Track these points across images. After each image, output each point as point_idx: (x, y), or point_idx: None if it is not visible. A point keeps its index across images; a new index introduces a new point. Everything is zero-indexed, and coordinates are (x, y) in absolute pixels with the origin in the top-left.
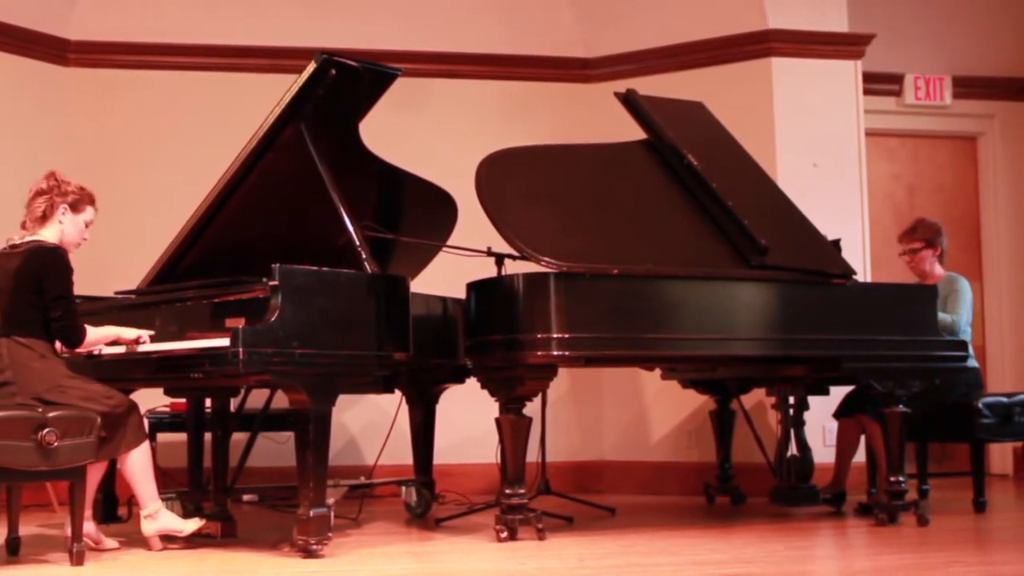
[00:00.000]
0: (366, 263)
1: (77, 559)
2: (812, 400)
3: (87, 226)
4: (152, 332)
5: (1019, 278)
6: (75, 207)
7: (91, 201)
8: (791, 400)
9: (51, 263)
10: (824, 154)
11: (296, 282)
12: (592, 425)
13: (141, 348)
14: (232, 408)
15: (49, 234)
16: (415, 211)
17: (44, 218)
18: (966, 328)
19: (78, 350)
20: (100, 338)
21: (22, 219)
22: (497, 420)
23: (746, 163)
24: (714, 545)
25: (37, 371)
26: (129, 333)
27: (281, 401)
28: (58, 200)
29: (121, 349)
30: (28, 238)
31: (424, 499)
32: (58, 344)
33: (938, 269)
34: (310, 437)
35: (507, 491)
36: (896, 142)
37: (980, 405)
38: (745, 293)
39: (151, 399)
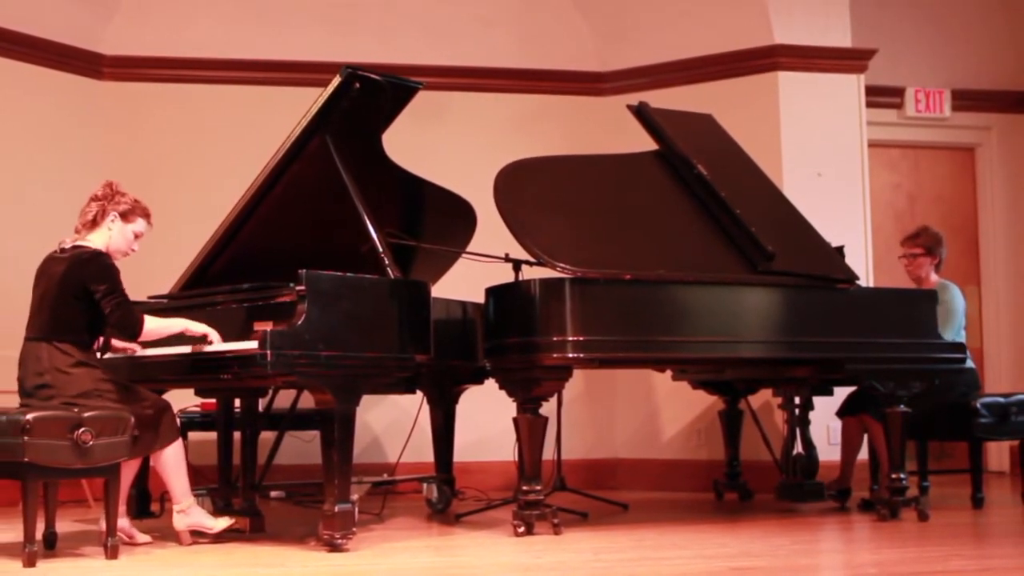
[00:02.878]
0: (389, 269)
1: (111, 553)
2: (817, 400)
3: (136, 237)
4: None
5: (1016, 283)
6: (126, 216)
7: (144, 214)
8: (797, 400)
9: (93, 267)
10: (828, 164)
11: (322, 287)
12: (606, 424)
13: (174, 350)
14: (260, 408)
15: (97, 239)
16: (436, 219)
17: (94, 223)
18: (960, 333)
19: (139, 341)
20: (165, 328)
21: (76, 224)
22: (514, 419)
23: (753, 173)
24: (722, 540)
25: (74, 376)
26: (198, 327)
27: (307, 401)
28: (110, 207)
29: (155, 351)
30: (77, 243)
31: (445, 495)
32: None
33: (933, 276)
34: (335, 436)
35: (524, 487)
36: (897, 153)
37: (978, 405)
38: (752, 297)
39: (182, 399)
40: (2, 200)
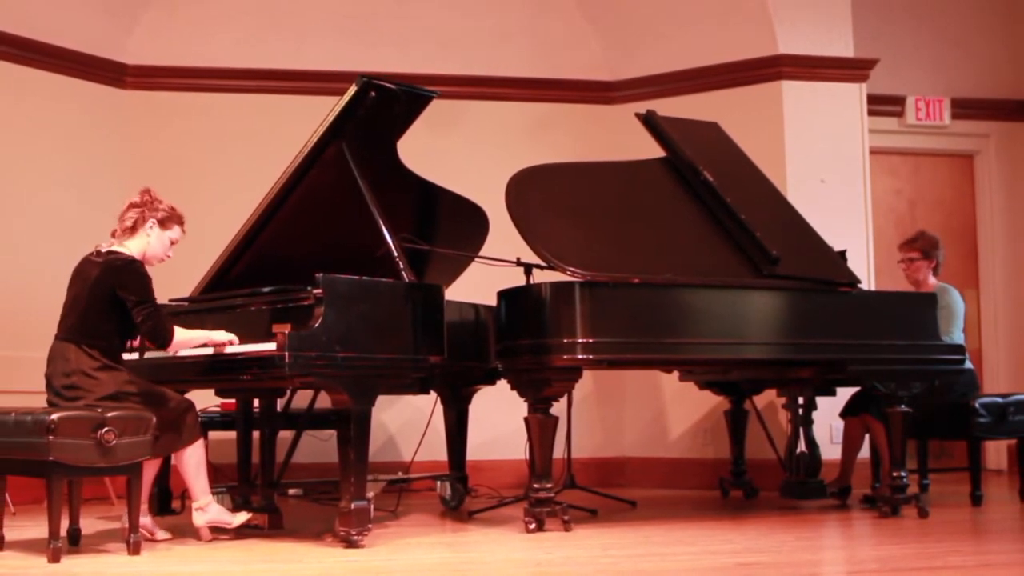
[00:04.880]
0: (403, 272)
1: (134, 549)
2: (820, 400)
3: (172, 244)
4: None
5: (1013, 286)
6: (164, 223)
7: (180, 222)
8: (800, 400)
9: (126, 275)
10: (831, 171)
11: (338, 290)
12: (614, 424)
13: (195, 352)
14: (278, 408)
15: (134, 245)
16: (449, 224)
17: (133, 229)
18: (959, 336)
19: (168, 350)
20: (190, 339)
21: (114, 229)
22: (526, 419)
23: (758, 179)
24: (728, 536)
25: (100, 379)
26: (219, 336)
27: (324, 401)
28: (149, 214)
29: (182, 352)
30: (114, 247)
31: (458, 493)
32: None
33: (931, 280)
34: (351, 435)
35: (535, 485)
36: (898, 159)
37: (976, 405)
38: (757, 300)
39: (203, 399)
40: (27, 205)
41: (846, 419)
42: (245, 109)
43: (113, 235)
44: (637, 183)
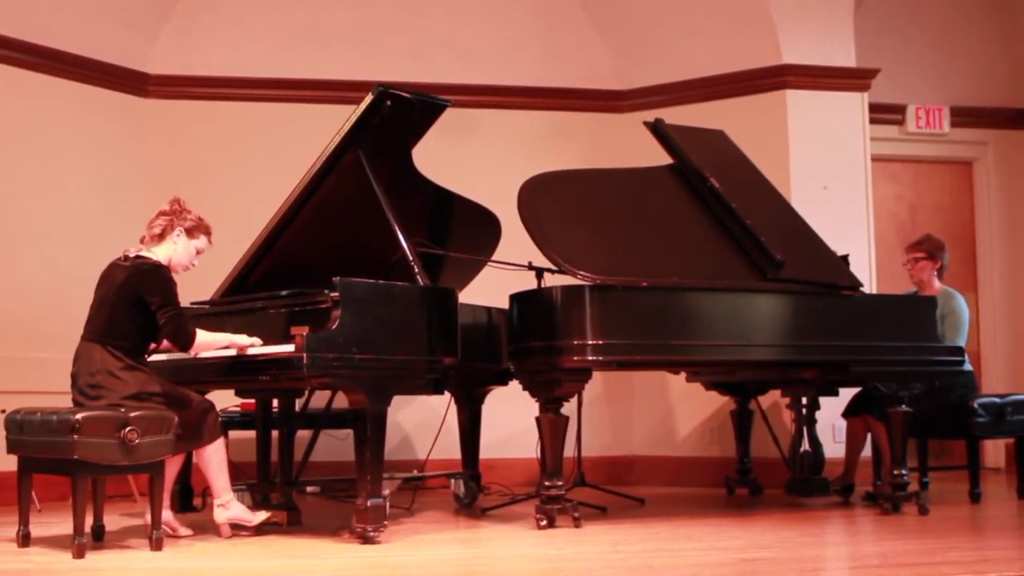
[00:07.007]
0: (418, 276)
1: (156, 545)
2: (823, 401)
3: (198, 253)
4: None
5: (1011, 289)
6: (190, 232)
7: (207, 232)
8: (804, 400)
9: (152, 279)
10: (834, 177)
11: (355, 294)
12: (623, 423)
13: (217, 353)
14: (297, 408)
15: (161, 252)
16: (463, 229)
17: (161, 236)
18: (962, 342)
19: (190, 353)
20: (213, 342)
21: (143, 235)
22: (537, 419)
23: (763, 185)
24: (734, 532)
25: (123, 379)
26: (242, 340)
27: (341, 401)
28: (177, 222)
29: (203, 353)
30: (142, 253)
31: (471, 490)
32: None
33: (936, 282)
34: (368, 434)
35: (546, 483)
36: (899, 167)
37: (975, 405)
38: (762, 303)
39: (223, 400)
40: (53, 211)
41: (848, 419)
42: (264, 117)
43: (141, 241)
44: (645, 189)
